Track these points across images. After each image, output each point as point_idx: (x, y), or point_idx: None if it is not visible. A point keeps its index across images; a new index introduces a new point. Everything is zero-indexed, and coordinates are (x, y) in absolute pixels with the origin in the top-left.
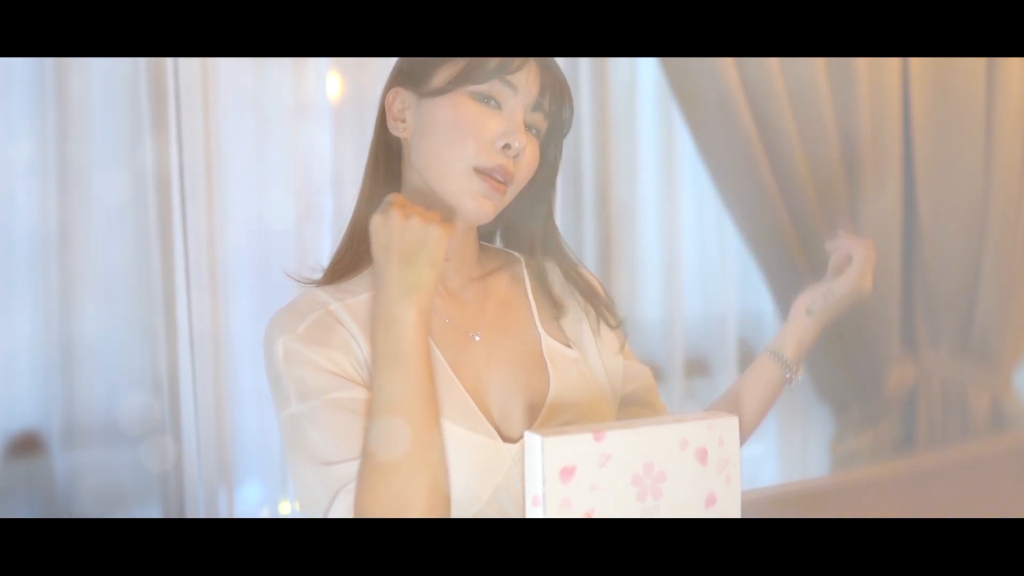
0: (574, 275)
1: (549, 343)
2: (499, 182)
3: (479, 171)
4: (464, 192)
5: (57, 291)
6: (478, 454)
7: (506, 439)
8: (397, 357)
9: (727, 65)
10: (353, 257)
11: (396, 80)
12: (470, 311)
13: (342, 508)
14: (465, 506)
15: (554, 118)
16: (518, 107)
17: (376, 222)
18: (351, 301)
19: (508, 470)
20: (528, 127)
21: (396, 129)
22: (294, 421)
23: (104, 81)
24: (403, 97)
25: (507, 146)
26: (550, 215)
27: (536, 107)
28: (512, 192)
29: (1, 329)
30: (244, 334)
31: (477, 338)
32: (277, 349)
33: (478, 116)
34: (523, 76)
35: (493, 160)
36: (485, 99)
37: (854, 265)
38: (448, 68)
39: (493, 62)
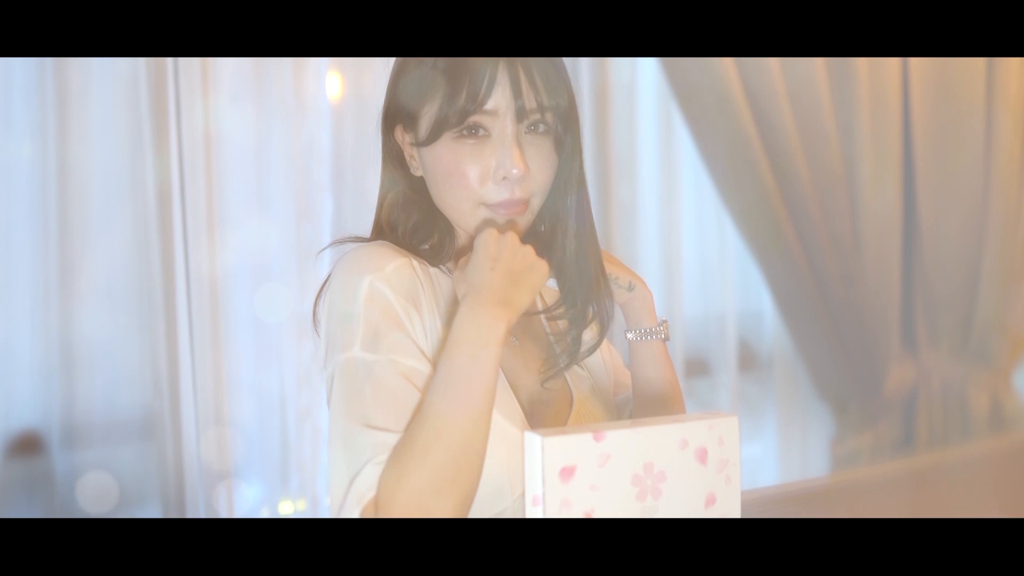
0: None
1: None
2: (513, 206)
3: (488, 206)
4: (482, 225)
5: (57, 291)
6: (515, 448)
7: None
8: (475, 360)
9: (727, 65)
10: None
11: (394, 119)
12: None
13: (368, 478)
14: (495, 500)
15: (553, 107)
16: (506, 126)
17: (490, 234)
18: (423, 268)
19: None
20: (533, 127)
21: (412, 168)
22: (351, 367)
23: (104, 81)
24: (408, 138)
25: (505, 178)
26: (580, 208)
27: (522, 114)
28: (538, 200)
29: (1, 329)
30: (244, 334)
31: (516, 342)
32: (362, 286)
33: (470, 156)
34: (496, 95)
35: (497, 195)
36: (473, 131)
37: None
38: (426, 116)
39: (460, 99)
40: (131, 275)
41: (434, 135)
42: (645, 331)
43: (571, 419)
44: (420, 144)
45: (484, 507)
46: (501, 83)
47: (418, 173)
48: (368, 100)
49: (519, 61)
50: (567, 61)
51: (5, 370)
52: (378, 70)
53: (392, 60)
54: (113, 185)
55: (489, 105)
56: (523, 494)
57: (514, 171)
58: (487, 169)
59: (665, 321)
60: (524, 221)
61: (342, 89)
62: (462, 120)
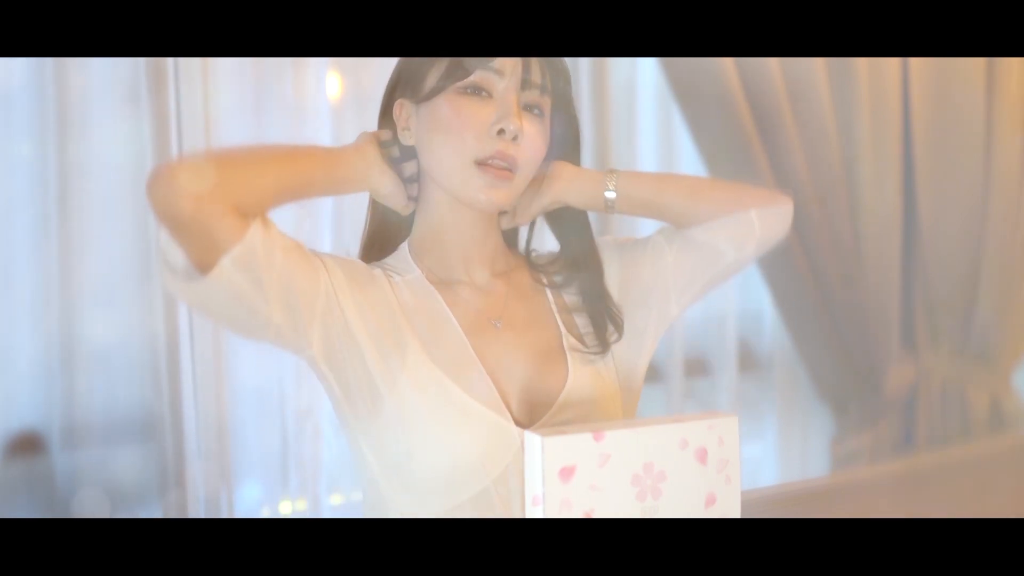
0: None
1: (570, 340)
2: (502, 168)
3: (480, 163)
4: (470, 187)
5: (57, 291)
6: (490, 431)
7: (519, 424)
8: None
9: (727, 65)
10: (379, 251)
11: (396, 92)
12: (494, 301)
13: None
14: (472, 481)
15: (554, 94)
16: (509, 91)
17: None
18: (396, 280)
19: (517, 452)
20: (529, 107)
21: (404, 138)
22: None
23: (104, 81)
24: (406, 107)
25: (501, 131)
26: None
27: (526, 85)
28: (523, 177)
29: (1, 329)
30: None
31: (498, 325)
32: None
33: (469, 109)
34: (507, 59)
35: (490, 148)
36: (476, 91)
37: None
38: (435, 70)
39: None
40: (131, 275)
41: (439, 87)
42: (607, 202)
43: (555, 408)
44: (421, 100)
45: (461, 487)
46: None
47: (410, 142)
48: (368, 100)
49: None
50: (566, 62)
51: (5, 370)
52: (378, 70)
53: (392, 60)
54: (113, 185)
55: (497, 63)
56: (503, 476)
57: (511, 126)
58: (484, 124)
59: (610, 171)
60: (505, 197)
61: (342, 89)
62: (468, 73)
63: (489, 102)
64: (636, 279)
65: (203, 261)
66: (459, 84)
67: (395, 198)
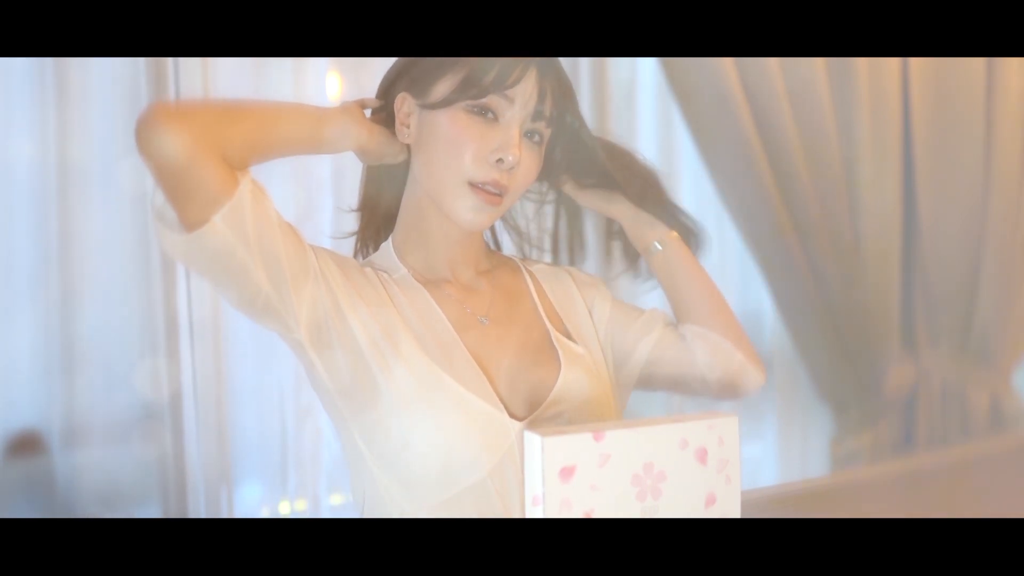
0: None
1: (557, 336)
2: (492, 194)
3: (473, 184)
4: (458, 205)
5: (57, 291)
6: (485, 422)
7: (513, 417)
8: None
9: (727, 65)
10: (363, 247)
11: (399, 84)
12: (480, 298)
13: None
14: (467, 473)
15: (557, 123)
16: (515, 119)
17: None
18: (385, 276)
19: (511, 446)
20: (530, 134)
21: (402, 135)
22: None
23: (104, 81)
24: (409, 103)
25: (500, 160)
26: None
27: (536, 116)
28: (509, 201)
29: (1, 329)
30: (244, 334)
31: (485, 321)
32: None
33: (473, 130)
34: (521, 87)
35: (486, 174)
36: (482, 112)
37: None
38: (447, 81)
39: (490, 75)
40: (131, 275)
41: (450, 99)
42: (653, 246)
43: (548, 401)
44: (428, 106)
45: (456, 478)
46: (530, 79)
47: (407, 140)
48: None
49: (551, 73)
50: (566, 61)
51: (5, 370)
52: (378, 70)
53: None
54: (113, 185)
55: (512, 92)
56: (499, 468)
57: (510, 157)
58: (485, 149)
59: (673, 234)
60: (489, 220)
61: (342, 89)
62: (483, 94)
63: (494, 126)
64: (623, 328)
65: (194, 217)
66: (470, 102)
67: (387, 148)
